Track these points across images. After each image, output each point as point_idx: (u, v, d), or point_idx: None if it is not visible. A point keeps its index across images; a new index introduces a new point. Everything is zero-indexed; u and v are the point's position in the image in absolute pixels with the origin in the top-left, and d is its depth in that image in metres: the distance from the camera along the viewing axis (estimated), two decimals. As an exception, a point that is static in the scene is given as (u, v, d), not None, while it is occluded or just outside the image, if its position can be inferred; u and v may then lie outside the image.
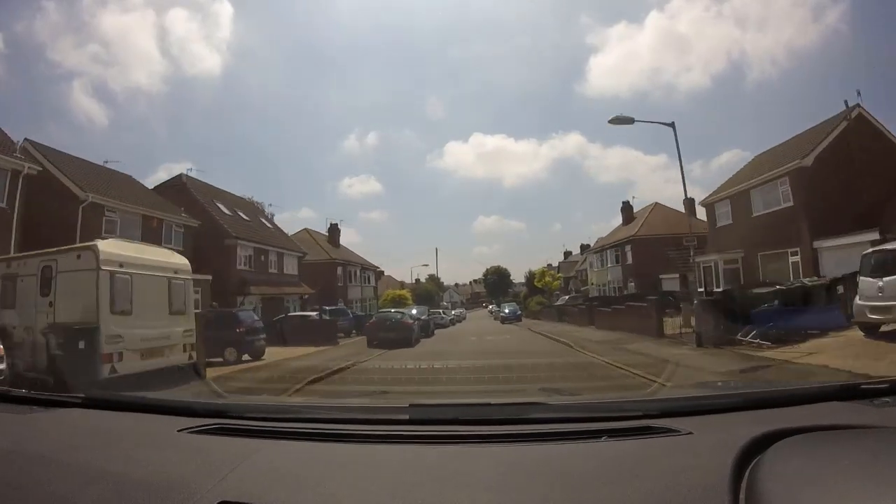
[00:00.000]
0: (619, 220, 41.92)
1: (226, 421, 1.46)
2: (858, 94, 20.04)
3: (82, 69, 62.34)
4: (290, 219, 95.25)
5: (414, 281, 71.09)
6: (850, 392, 1.38)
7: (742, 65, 67.80)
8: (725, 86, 69.14)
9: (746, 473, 0.91)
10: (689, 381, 6.32)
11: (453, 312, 47.75)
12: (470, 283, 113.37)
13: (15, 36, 51.16)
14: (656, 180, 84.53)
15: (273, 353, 14.50)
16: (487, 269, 79.47)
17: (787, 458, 0.92)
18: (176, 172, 28.40)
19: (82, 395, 1.75)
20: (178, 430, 1.39)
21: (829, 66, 57.47)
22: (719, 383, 2.86)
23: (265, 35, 72.32)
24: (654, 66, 75.35)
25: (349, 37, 73.54)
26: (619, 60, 76.83)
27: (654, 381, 6.73)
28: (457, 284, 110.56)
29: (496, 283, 77.00)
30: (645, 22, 77.27)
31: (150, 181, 32.57)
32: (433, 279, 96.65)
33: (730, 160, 71.27)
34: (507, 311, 41.13)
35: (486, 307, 77.93)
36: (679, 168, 32.78)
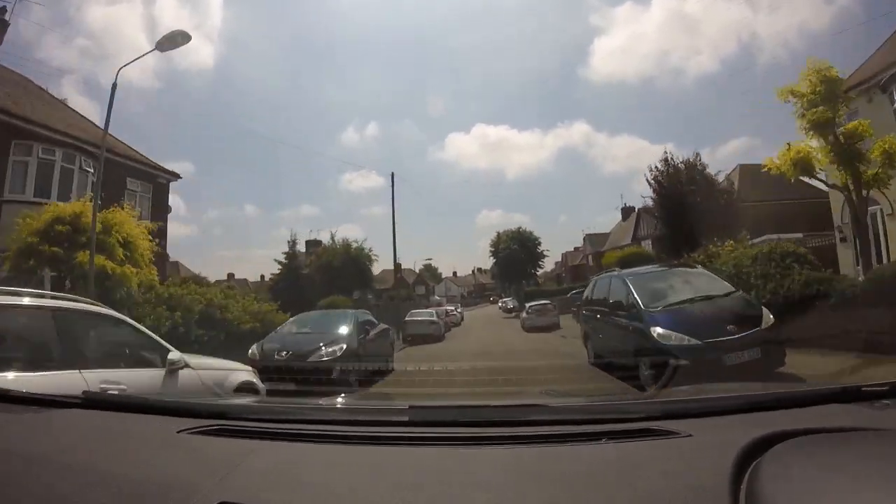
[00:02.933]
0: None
1: (225, 422, 1.44)
2: None
3: (71, 65, 56.23)
4: (291, 216, 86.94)
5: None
6: (851, 394, 1.37)
7: (752, 48, 64.16)
8: (735, 70, 64.47)
9: (746, 475, 0.91)
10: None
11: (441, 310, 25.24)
12: (473, 271, 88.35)
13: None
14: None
15: None
16: (499, 235, 45.05)
17: (787, 461, 0.93)
18: (172, 169, 17.83)
19: (82, 396, 1.73)
20: (178, 431, 1.37)
21: (843, 50, 52.03)
22: (719, 385, 2.63)
23: (257, 22, 66.30)
24: (662, 49, 69.82)
25: (345, 23, 65.91)
26: (626, 43, 70.22)
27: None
28: (455, 273, 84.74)
29: (515, 258, 42.42)
30: (652, 2, 70.72)
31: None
32: (430, 269, 79.22)
33: (738, 148, 69.29)
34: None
35: (496, 302, 54.59)
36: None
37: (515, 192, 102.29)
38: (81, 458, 1.22)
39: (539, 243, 43.77)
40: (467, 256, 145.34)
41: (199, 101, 74.57)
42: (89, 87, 68.18)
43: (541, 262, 45.14)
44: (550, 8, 75.55)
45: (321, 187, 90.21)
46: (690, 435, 1.15)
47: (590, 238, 48.11)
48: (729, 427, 1.18)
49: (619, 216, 48.26)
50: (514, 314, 38.68)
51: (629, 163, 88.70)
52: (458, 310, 35.65)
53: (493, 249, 44.83)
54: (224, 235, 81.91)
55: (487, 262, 66.37)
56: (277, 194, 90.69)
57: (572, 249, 56.72)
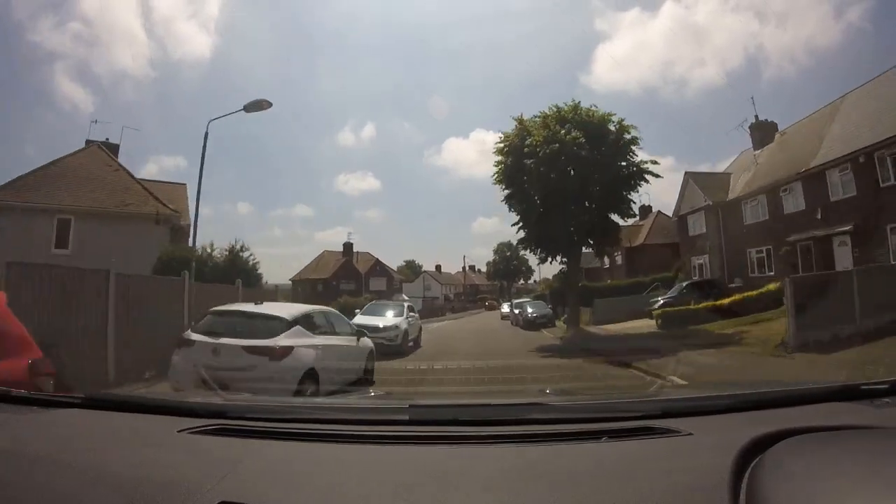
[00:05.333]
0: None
1: (226, 421, 1.45)
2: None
3: (64, 50, 45.08)
4: (284, 215, 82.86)
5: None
6: (850, 393, 1.38)
7: (758, 61, 55.85)
8: (740, 83, 56.84)
9: (747, 474, 0.91)
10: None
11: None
12: (464, 268, 70.85)
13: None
14: (662, 183, 54.34)
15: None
16: (523, 122, 15.96)
17: (788, 459, 0.93)
18: (165, 165, 11.83)
19: (82, 395, 1.74)
20: (178, 431, 1.38)
21: (850, 67, 35.88)
22: (720, 384, 2.73)
23: (255, 14, 57.30)
24: (667, 58, 60.88)
25: (345, 20, 56.11)
26: (630, 50, 63.30)
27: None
28: (439, 268, 71.52)
29: (573, 174, 14.71)
30: (660, 10, 66.42)
31: (140, 174, 22.53)
32: (411, 266, 74.40)
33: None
34: None
35: (493, 308, 46.45)
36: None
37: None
38: (81, 458, 1.22)
39: (636, 141, 16.11)
40: (461, 263, 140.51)
41: (194, 93, 68.21)
42: (82, 74, 62.76)
43: (633, 203, 17.02)
44: (554, 10, 70.60)
45: (315, 187, 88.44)
46: (691, 433, 1.16)
47: (695, 178, 25.80)
48: (729, 425, 1.20)
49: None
50: (545, 328, 16.51)
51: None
52: (409, 315, 14.12)
53: (503, 162, 16.35)
54: (220, 234, 79.15)
55: (483, 263, 60.99)
56: (273, 193, 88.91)
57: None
